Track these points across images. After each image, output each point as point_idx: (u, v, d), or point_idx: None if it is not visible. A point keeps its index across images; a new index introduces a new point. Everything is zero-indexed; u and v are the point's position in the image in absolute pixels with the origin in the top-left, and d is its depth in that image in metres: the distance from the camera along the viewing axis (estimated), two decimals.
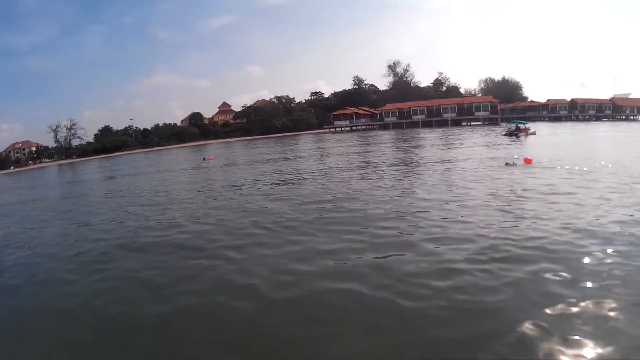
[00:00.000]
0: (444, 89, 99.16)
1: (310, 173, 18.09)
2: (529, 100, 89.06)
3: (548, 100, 77.77)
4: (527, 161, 15.31)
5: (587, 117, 71.40)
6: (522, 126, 33.06)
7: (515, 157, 17.02)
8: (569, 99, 75.81)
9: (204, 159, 36.43)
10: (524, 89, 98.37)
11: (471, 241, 6.50)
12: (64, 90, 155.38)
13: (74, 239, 9.61)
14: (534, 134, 32.25)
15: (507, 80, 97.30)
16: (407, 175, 14.99)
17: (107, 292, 5.97)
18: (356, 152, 27.74)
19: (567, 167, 13.78)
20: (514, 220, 7.57)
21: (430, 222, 7.84)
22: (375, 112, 75.28)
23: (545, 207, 8.38)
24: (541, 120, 70.32)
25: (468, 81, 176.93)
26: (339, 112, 77.73)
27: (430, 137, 38.71)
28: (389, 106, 73.52)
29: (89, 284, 6.34)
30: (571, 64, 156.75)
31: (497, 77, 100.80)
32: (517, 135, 31.20)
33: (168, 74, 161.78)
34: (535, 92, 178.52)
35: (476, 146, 25.31)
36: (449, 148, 25.61)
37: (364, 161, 21.26)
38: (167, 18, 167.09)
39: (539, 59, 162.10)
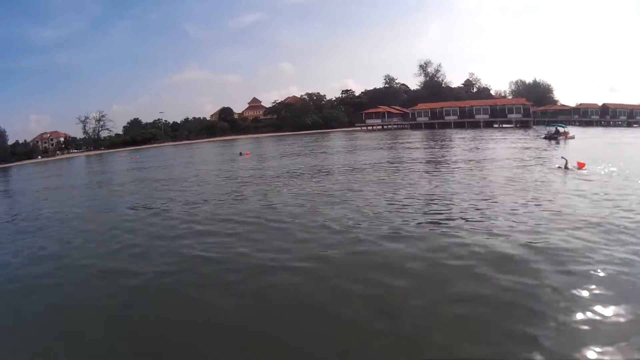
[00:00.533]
0: (475, 90, 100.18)
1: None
2: (559, 103, 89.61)
3: (580, 104, 78.24)
4: (581, 165, 15.51)
5: (618, 122, 71.75)
6: (561, 130, 33.70)
7: (562, 158, 16.84)
8: (599, 104, 76.32)
9: (240, 153, 37.18)
10: (554, 92, 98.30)
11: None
12: (92, 83, 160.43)
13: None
14: (572, 138, 32.78)
15: (539, 83, 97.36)
16: (478, 181, 14.18)
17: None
18: (418, 153, 27.05)
19: (627, 171, 14.22)
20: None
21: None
22: (407, 111, 76.96)
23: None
24: (572, 125, 71.06)
25: (499, 83, 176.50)
26: (371, 110, 79.61)
27: (468, 139, 38.77)
28: (421, 106, 75.11)
29: None
30: (601, 67, 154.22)
31: (528, 80, 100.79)
32: (556, 139, 31.76)
33: (198, 69, 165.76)
34: (565, 95, 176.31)
35: (523, 150, 25.42)
36: (497, 152, 24.76)
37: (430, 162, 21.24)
38: (196, 14, 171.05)
39: (569, 61, 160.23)
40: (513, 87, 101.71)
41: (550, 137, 32.68)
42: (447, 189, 12.74)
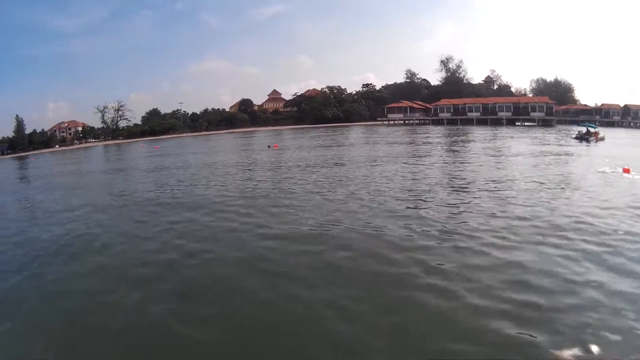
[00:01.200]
0: (495, 87, 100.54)
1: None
2: (579, 103, 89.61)
3: (602, 104, 78.53)
4: (626, 171, 14.71)
5: (639, 124, 72.16)
6: (592, 130, 33.69)
7: (607, 161, 17.08)
8: (621, 104, 76.65)
9: (269, 146, 37.11)
10: (575, 92, 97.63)
11: None
12: (111, 72, 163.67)
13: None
14: (603, 139, 32.71)
15: (560, 82, 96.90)
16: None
17: None
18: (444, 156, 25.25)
19: None
20: None
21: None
22: (430, 106, 78.11)
23: None
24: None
25: (520, 80, 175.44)
26: (393, 104, 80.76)
27: (497, 138, 38.15)
28: (443, 101, 76.24)
29: None
30: (621, 68, 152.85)
31: (549, 78, 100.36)
32: (587, 140, 31.61)
33: (217, 59, 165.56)
34: (586, 95, 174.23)
35: (558, 152, 24.37)
36: (535, 154, 22.88)
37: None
38: (218, 5, 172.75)
39: (590, 61, 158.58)
40: (534, 85, 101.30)
41: (581, 138, 32.73)
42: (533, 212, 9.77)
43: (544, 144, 29.56)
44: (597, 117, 76.50)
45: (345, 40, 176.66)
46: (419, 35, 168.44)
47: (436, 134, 44.76)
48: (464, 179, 15.12)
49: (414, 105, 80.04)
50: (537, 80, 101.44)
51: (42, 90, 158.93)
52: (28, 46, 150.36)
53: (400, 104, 79.80)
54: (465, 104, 72.95)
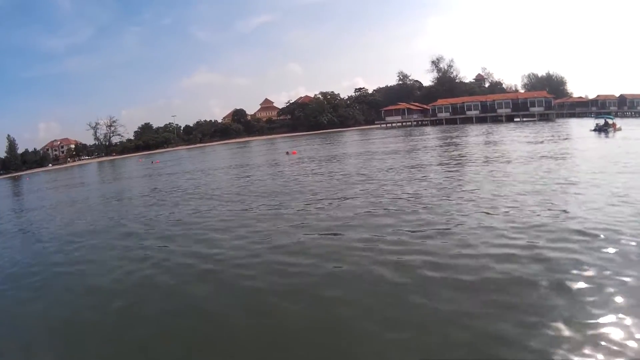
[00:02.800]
0: (487, 84, 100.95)
1: None
2: (573, 95, 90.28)
3: (597, 95, 79.01)
4: None
5: (635, 113, 72.54)
6: (610, 121, 33.02)
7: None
8: (616, 95, 77.11)
9: (287, 152, 36.11)
10: (568, 85, 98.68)
11: None
12: (101, 90, 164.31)
13: None
14: (620, 129, 31.93)
15: (552, 76, 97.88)
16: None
17: None
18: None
19: None
20: None
21: None
22: (428, 107, 77.70)
23: None
24: (590, 117, 71.64)
25: (510, 77, 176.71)
26: (390, 107, 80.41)
27: (512, 135, 34.63)
28: (440, 101, 75.98)
29: None
30: (612, 59, 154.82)
31: (541, 73, 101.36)
32: (606, 132, 30.89)
33: (207, 72, 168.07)
34: (579, 87, 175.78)
35: (584, 146, 22.01)
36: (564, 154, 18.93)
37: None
38: (205, 18, 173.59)
39: (580, 53, 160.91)
40: (525, 80, 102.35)
41: (600, 130, 31.95)
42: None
43: (565, 140, 28.29)
44: (594, 108, 76.80)
45: (333, 46, 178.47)
46: (408, 36, 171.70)
47: (469, 134, 41.28)
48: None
49: (412, 107, 79.73)
50: (529, 76, 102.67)
51: (33, 111, 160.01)
52: (18, 68, 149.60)
53: (397, 106, 79.49)
54: (463, 102, 72.74)
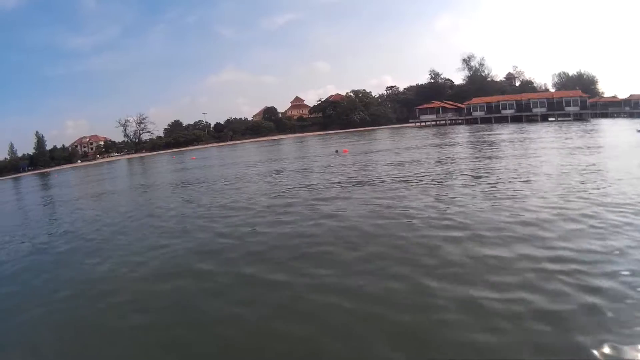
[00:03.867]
0: (518, 83, 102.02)
1: None
2: (604, 95, 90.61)
3: (630, 95, 79.65)
4: None
5: None
6: None
7: None
8: None
9: (337, 151, 33.25)
10: (599, 84, 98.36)
11: None
12: (128, 88, 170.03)
13: None
14: None
15: (583, 75, 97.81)
16: None
17: None
18: None
19: None
20: None
21: None
22: (462, 106, 79.55)
23: None
24: (622, 117, 72.57)
25: (541, 76, 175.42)
26: (425, 105, 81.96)
27: (568, 139, 28.07)
28: (475, 100, 77.51)
29: None
30: None
31: (571, 72, 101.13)
32: None
33: (234, 70, 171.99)
34: (610, 87, 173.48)
35: None
36: None
37: None
38: (230, 17, 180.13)
39: (611, 52, 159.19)
40: (556, 79, 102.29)
41: None
42: None
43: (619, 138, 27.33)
44: (627, 108, 77.32)
45: (360, 44, 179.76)
46: (438, 34, 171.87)
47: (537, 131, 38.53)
48: None
49: (446, 105, 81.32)
50: (559, 74, 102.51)
51: (61, 108, 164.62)
52: (45, 66, 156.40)
53: (432, 105, 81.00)
54: (498, 101, 74.22)
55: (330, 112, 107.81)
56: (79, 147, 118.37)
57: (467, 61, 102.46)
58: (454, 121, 79.26)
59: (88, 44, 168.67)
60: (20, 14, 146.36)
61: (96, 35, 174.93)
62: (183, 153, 75.15)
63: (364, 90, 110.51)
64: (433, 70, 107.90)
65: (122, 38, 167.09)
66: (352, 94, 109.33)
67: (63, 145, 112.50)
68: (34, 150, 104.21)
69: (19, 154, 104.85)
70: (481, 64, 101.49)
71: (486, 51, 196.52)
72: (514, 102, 72.92)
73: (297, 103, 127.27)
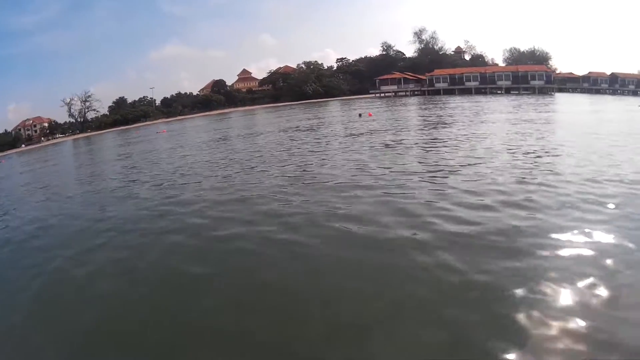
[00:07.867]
0: (469, 57, 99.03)
1: None
2: (557, 71, 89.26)
3: (589, 72, 78.84)
4: None
5: (626, 91, 72.92)
6: None
7: None
8: (607, 72, 77.18)
9: (360, 115, 32.29)
10: (552, 61, 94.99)
11: None
12: (70, 66, 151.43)
13: None
14: None
15: (535, 51, 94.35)
16: None
17: None
18: None
19: None
20: None
21: None
22: (424, 77, 74.81)
23: None
24: (580, 92, 71.70)
25: (492, 51, 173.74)
26: (386, 76, 76.69)
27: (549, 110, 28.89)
28: (438, 72, 73.16)
29: None
30: (595, 36, 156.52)
31: (523, 48, 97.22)
32: None
33: (179, 45, 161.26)
34: (563, 64, 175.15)
35: None
36: None
37: None
38: None
39: (564, 29, 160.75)
40: (507, 54, 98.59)
41: None
42: None
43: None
44: (585, 85, 76.83)
45: (304, 17, 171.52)
46: (385, 6, 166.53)
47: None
48: None
49: (407, 76, 76.46)
50: (511, 50, 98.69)
51: (1, 92, 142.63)
52: None
53: (393, 76, 76.10)
54: (462, 73, 70.25)
55: (282, 84, 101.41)
56: (22, 130, 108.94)
57: (418, 34, 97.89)
58: (414, 92, 74.57)
59: (31, 22, 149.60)
60: None
61: (40, 13, 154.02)
62: (128, 131, 70.65)
63: (316, 62, 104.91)
64: (385, 43, 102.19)
65: (64, 15, 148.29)
66: (303, 66, 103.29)
67: (5, 130, 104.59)
68: None
69: None
70: (433, 37, 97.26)
71: (438, 25, 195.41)
72: (478, 74, 69.06)
73: (245, 76, 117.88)
